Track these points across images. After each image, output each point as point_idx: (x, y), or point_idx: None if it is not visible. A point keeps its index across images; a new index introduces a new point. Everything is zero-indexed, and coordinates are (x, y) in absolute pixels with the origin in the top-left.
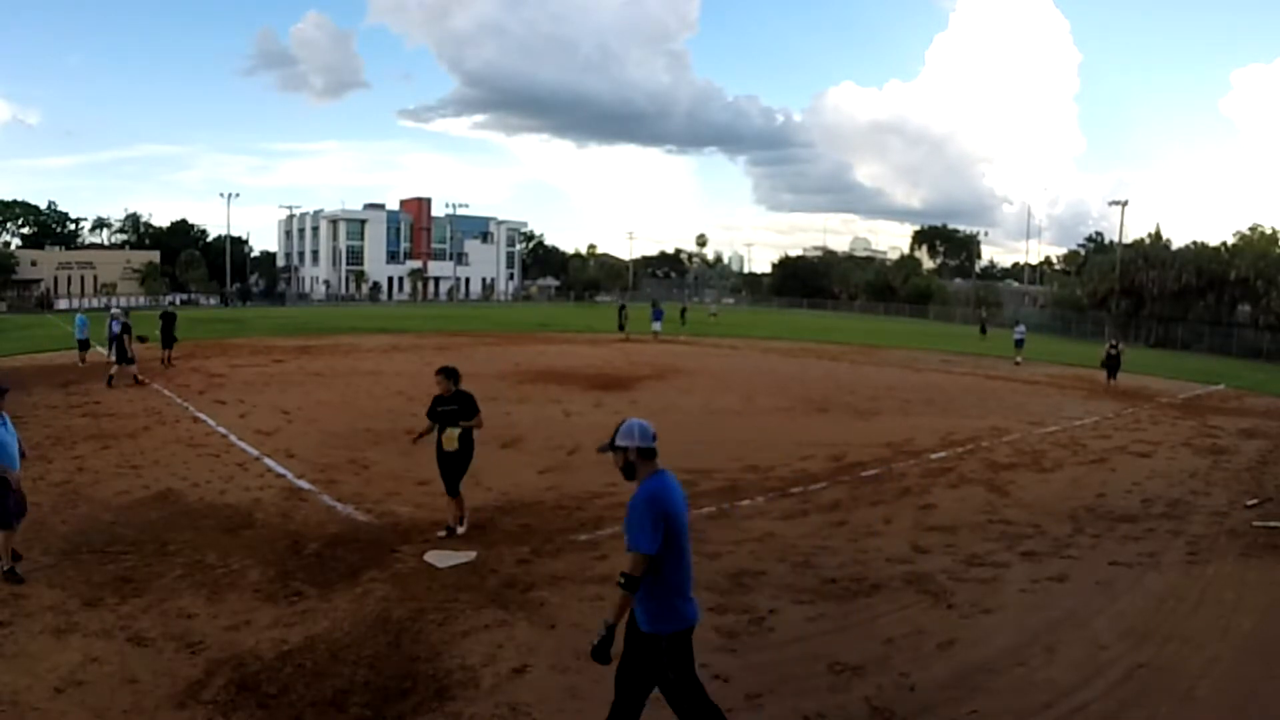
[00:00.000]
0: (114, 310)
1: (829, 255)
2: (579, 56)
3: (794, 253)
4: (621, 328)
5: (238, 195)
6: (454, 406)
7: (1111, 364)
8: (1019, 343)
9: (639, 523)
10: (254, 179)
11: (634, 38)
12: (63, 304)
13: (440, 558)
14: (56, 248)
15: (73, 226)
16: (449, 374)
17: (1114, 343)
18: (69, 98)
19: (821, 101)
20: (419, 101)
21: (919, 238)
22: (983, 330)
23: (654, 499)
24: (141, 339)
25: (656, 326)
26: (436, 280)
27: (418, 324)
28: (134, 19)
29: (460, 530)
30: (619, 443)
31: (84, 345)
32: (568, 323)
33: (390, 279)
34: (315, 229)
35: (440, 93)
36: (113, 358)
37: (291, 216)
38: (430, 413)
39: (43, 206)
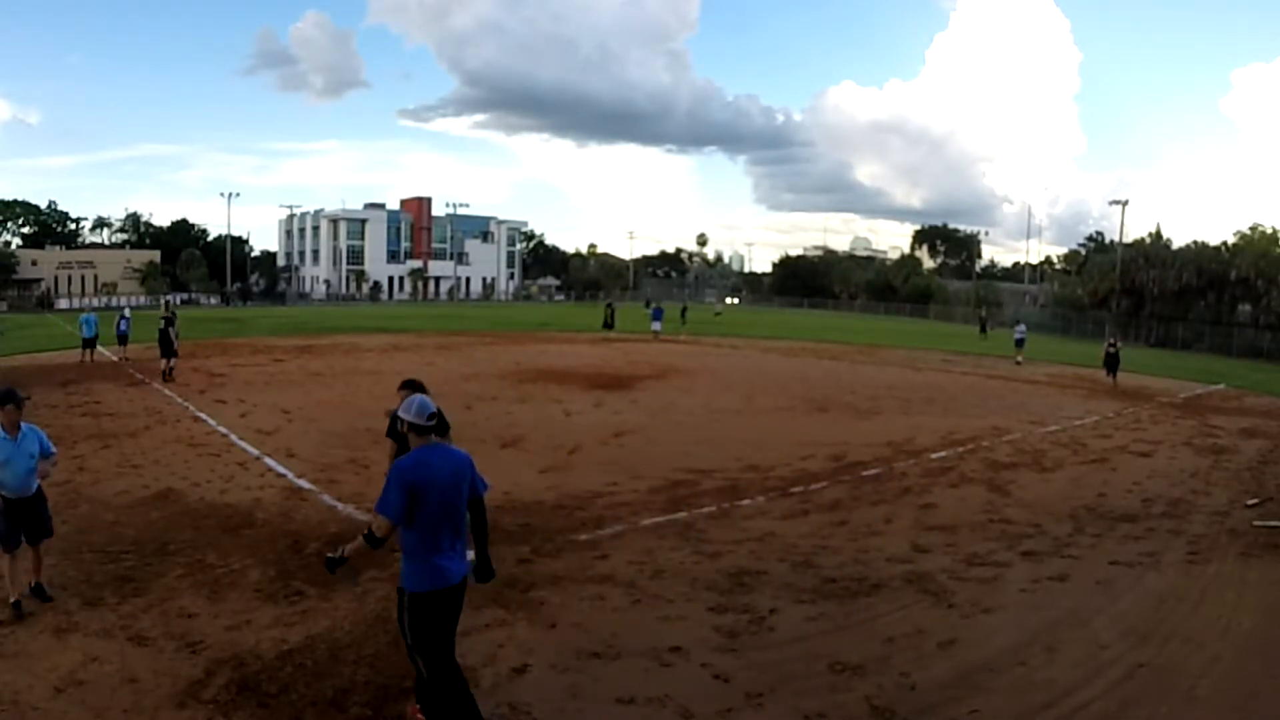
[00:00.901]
0: (124, 310)
1: (829, 255)
2: (579, 56)
3: (794, 252)
4: (609, 325)
5: (238, 195)
6: None
7: (1111, 362)
8: (1019, 342)
9: (386, 488)
10: (254, 178)
11: (634, 37)
12: (63, 304)
13: None
14: (57, 247)
15: (73, 226)
16: (414, 388)
17: (1112, 341)
18: (69, 97)
19: (822, 101)
20: (419, 101)
21: (919, 237)
22: (983, 329)
23: (404, 470)
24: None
25: (656, 326)
26: (437, 280)
27: (418, 324)
28: (132, 17)
29: None
30: (399, 414)
31: (90, 344)
32: (569, 322)
33: (391, 278)
34: (316, 228)
35: (440, 92)
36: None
37: (292, 216)
38: (390, 431)
39: (43, 206)
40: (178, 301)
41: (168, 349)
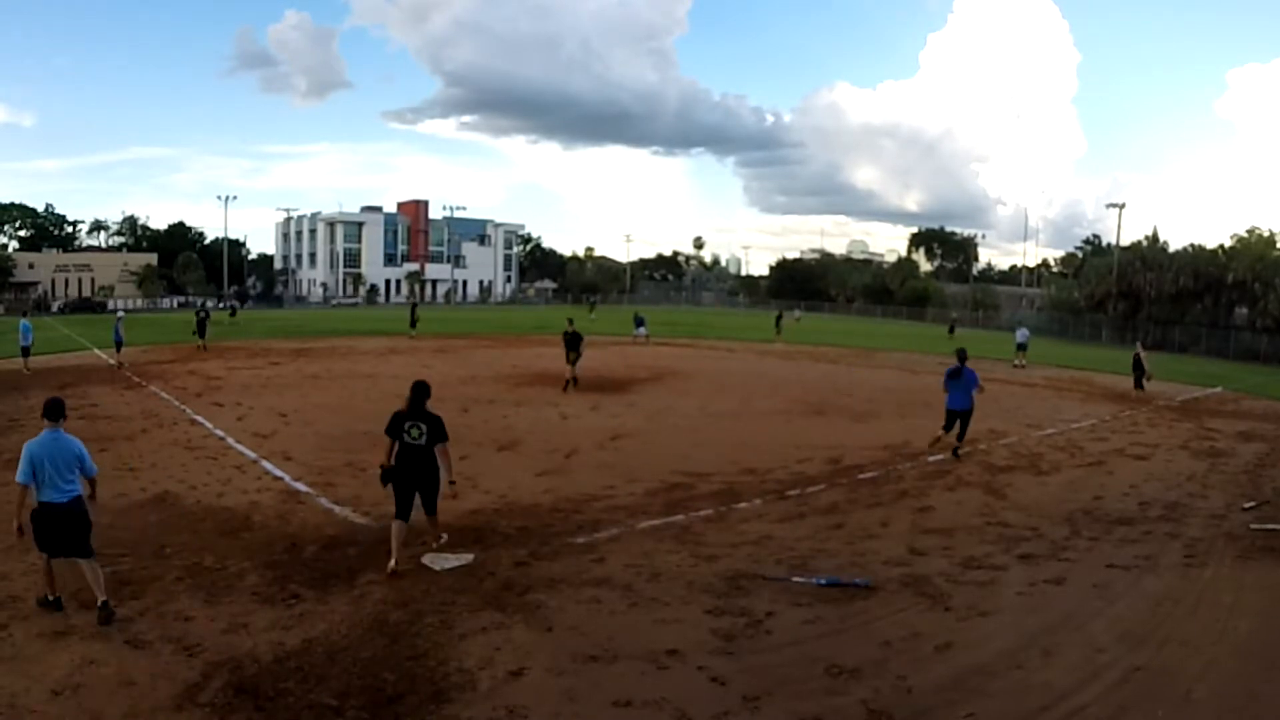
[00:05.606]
0: (119, 313)
1: (826, 258)
2: (562, 56)
3: (789, 255)
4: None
5: (235, 198)
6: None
7: (1137, 369)
8: (1021, 346)
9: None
10: (248, 181)
11: (620, 36)
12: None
13: (437, 560)
14: (54, 250)
15: (70, 229)
16: (417, 390)
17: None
18: (60, 100)
19: (812, 102)
20: (404, 103)
21: (916, 240)
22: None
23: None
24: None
25: (640, 331)
26: (434, 283)
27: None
28: (112, 17)
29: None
30: None
31: (26, 352)
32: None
33: (388, 281)
34: (313, 231)
35: (425, 93)
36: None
37: (289, 219)
38: (389, 428)
39: (39, 209)
40: (174, 305)
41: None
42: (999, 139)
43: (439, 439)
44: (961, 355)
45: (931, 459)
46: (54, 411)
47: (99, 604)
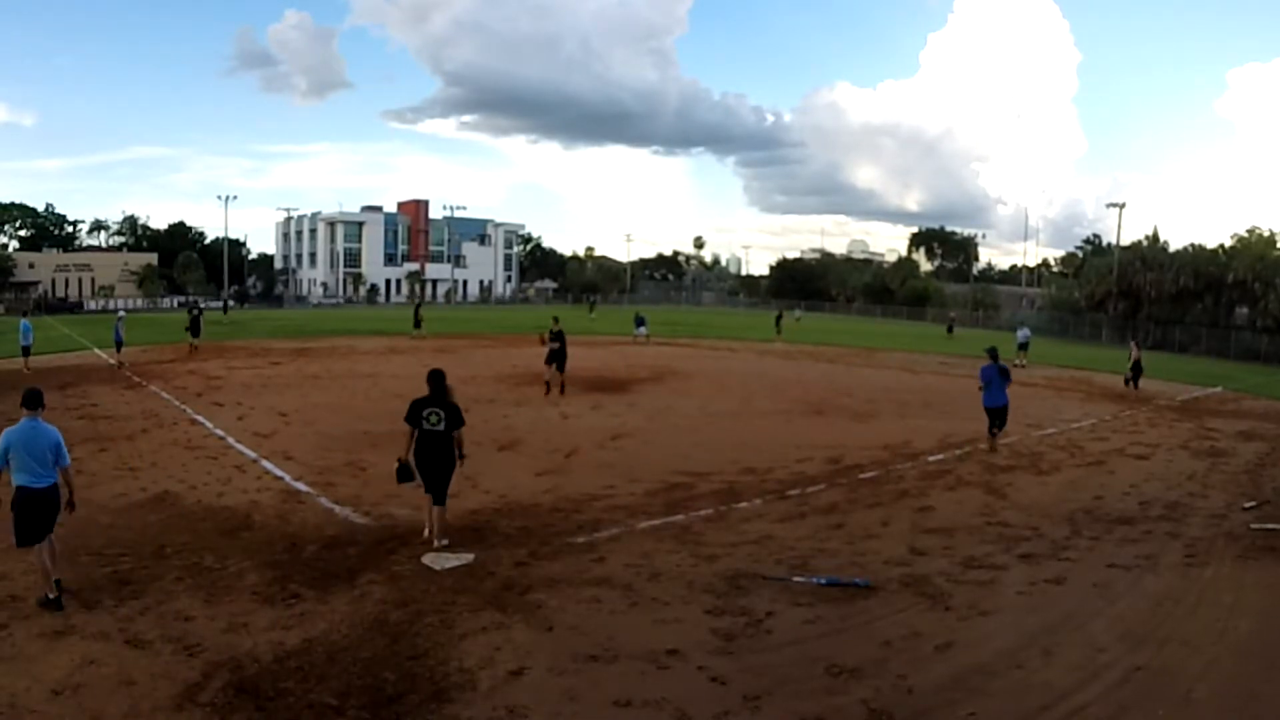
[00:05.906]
0: (120, 313)
1: (826, 257)
2: (562, 55)
3: (789, 254)
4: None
5: (235, 198)
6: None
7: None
8: (1022, 345)
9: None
10: (248, 181)
11: (620, 36)
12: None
13: (438, 560)
14: (54, 250)
15: (70, 229)
16: (434, 378)
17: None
18: (61, 99)
19: (812, 101)
20: (405, 102)
21: (916, 240)
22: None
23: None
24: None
25: (641, 330)
26: (435, 283)
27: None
28: (114, 16)
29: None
30: None
31: (26, 351)
32: (567, 326)
33: (388, 281)
34: (313, 231)
35: (425, 92)
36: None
37: (289, 219)
38: (409, 416)
39: (40, 209)
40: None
41: (196, 332)
42: (999, 139)
43: (456, 424)
44: (994, 353)
45: (932, 459)
46: (32, 401)
47: (54, 580)
